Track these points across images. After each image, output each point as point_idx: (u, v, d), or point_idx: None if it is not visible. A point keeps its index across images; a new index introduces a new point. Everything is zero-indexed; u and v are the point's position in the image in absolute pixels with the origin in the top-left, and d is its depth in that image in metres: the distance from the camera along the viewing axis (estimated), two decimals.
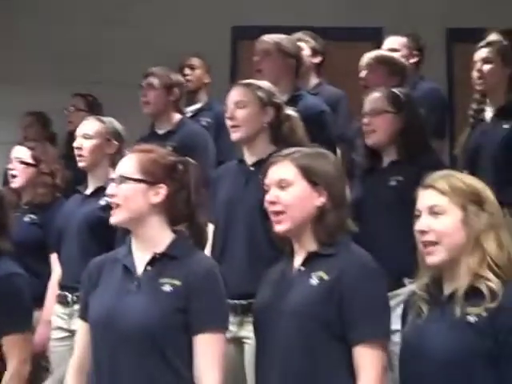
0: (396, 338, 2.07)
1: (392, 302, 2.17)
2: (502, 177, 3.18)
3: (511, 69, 3.42)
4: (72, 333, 2.84)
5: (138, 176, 2.10)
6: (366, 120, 2.97)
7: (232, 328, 2.50)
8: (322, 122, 3.31)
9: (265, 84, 2.85)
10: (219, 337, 2.04)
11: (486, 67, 3.42)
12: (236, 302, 2.54)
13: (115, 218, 2.13)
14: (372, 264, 2.05)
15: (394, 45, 3.98)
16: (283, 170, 2.11)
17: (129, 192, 2.10)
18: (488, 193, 1.98)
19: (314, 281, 2.03)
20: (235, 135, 2.77)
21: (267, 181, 2.14)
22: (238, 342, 2.61)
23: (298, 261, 2.11)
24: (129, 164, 2.13)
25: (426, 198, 1.99)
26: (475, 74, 3.47)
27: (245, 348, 2.59)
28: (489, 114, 3.45)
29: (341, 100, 3.77)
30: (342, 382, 1.99)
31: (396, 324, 2.08)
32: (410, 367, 1.95)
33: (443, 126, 3.85)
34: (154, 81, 3.70)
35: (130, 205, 2.09)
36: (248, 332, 2.52)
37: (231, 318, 2.31)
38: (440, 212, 1.95)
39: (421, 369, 1.91)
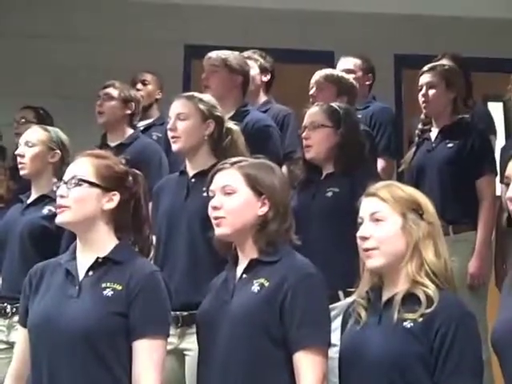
0: (331, 353, 2.07)
1: None
2: (447, 194, 3.26)
3: (455, 92, 3.52)
4: (11, 345, 2.76)
5: (94, 180, 2.09)
6: (304, 134, 3.02)
7: (173, 340, 2.48)
8: (268, 137, 3.34)
9: (207, 97, 2.89)
10: (159, 343, 2.02)
11: (431, 92, 3.51)
12: (178, 313, 2.52)
13: (62, 218, 2.10)
14: (313, 271, 2.06)
15: (348, 66, 4.06)
16: (229, 177, 2.13)
17: (83, 195, 2.08)
18: (427, 203, 2.03)
19: (256, 288, 2.03)
20: (175, 146, 2.80)
21: (212, 187, 2.16)
22: (178, 353, 2.58)
23: (240, 269, 2.11)
24: (84, 167, 2.11)
25: (368, 206, 2.03)
26: (421, 99, 3.56)
27: (186, 360, 2.57)
28: (434, 133, 3.54)
29: (289, 117, 3.80)
30: None
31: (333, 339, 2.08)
32: (349, 372, 1.97)
33: (394, 144, 3.92)
34: (113, 92, 3.72)
35: (80, 208, 2.07)
36: (189, 344, 2.51)
37: (172, 330, 2.29)
38: (381, 219, 1.99)
39: (359, 374, 1.93)
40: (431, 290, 1.91)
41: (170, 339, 2.14)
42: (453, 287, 1.98)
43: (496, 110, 4.88)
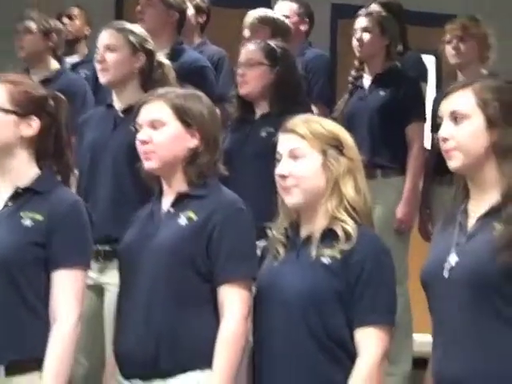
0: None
1: None
2: (377, 140, 3.29)
3: (389, 39, 3.53)
4: None
5: (8, 107, 2.00)
6: (240, 71, 2.97)
7: (93, 274, 2.44)
8: (203, 78, 3.29)
9: (138, 29, 2.81)
10: (78, 274, 1.97)
11: (365, 36, 3.51)
12: (99, 246, 2.49)
13: None
14: (242, 206, 2.04)
15: (284, 11, 3.99)
16: (156, 110, 2.07)
17: None
18: (347, 138, 2.00)
19: (183, 221, 2.00)
20: (103, 79, 2.73)
21: (139, 120, 2.10)
22: (98, 289, 2.55)
23: (167, 202, 2.07)
24: None
25: (286, 142, 1.99)
26: (355, 43, 3.56)
27: (106, 295, 2.54)
28: (367, 81, 3.55)
29: (223, 59, 3.75)
30: (207, 320, 1.97)
31: None
32: (264, 308, 1.96)
33: (328, 91, 3.90)
34: (31, 25, 3.59)
35: None
36: (110, 278, 2.47)
37: (92, 265, 2.22)
38: (300, 156, 1.95)
39: (274, 309, 1.92)
40: (350, 225, 1.90)
41: (89, 274, 2.11)
42: (370, 222, 1.98)
43: (429, 63, 4.93)
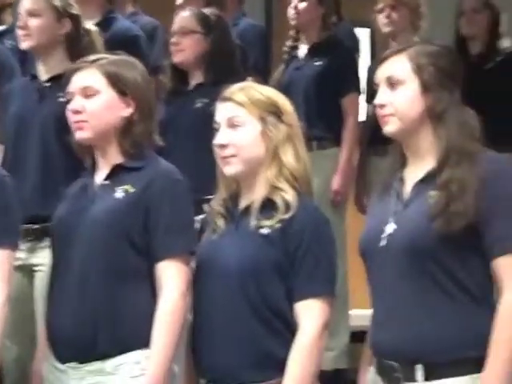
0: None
1: None
2: (313, 112, 3.26)
3: (325, 8, 3.51)
4: None
5: None
6: (173, 39, 2.91)
7: (21, 255, 2.35)
8: (136, 47, 3.18)
9: None
10: (6, 254, 1.89)
11: (302, 5, 3.49)
12: (27, 225, 2.36)
13: None
14: (179, 177, 1.98)
15: None
16: (89, 78, 1.98)
17: None
18: (286, 104, 1.95)
19: (119, 194, 1.93)
20: (25, 44, 2.60)
21: (71, 88, 2.00)
22: (27, 270, 2.46)
23: (101, 175, 1.99)
24: None
25: (224, 111, 1.93)
26: (290, 11, 3.52)
27: (36, 277, 2.45)
28: (303, 51, 3.52)
29: (157, 29, 3.65)
30: (145, 297, 1.91)
31: None
32: (204, 281, 1.91)
33: (263, 61, 3.85)
34: None
35: None
36: (41, 259, 2.39)
37: (21, 245, 2.14)
38: (238, 124, 1.90)
39: (214, 281, 1.88)
40: (290, 195, 1.86)
41: (17, 254, 2.02)
42: (310, 191, 1.94)
43: (363, 35, 4.93)
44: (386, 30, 3.53)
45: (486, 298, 1.73)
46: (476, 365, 1.67)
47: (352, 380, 1.94)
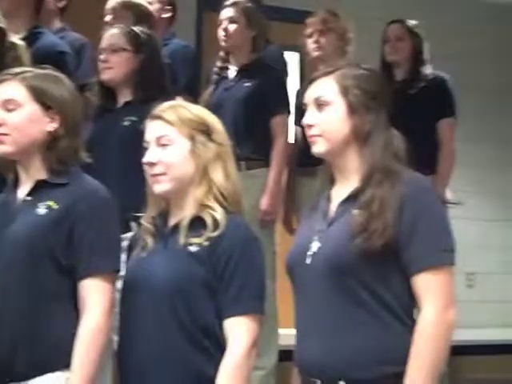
0: (119, 285, 1.98)
1: None
2: (241, 132, 3.27)
3: (256, 30, 3.53)
4: None
5: None
6: (102, 56, 2.87)
7: None
8: (63, 63, 3.12)
9: None
10: None
11: (232, 26, 3.50)
12: None
13: None
14: (105, 194, 1.96)
15: None
16: (11, 90, 1.95)
17: None
18: (215, 122, 1.97)
19: (42, 210, 1.89)
20: None
21: None
22: None
23: (23, 190, 1.95)
24: None
25: (153, 129, 1.93)
26: (221, 33, 3.53)
27: None
28: (232, 72, 3.54)
29: (85, 46, 3.60)
30: (67, 317, 1.87)
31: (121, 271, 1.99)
32: (132, 300, 1.89)
33: (193, 81, 3.85)
34: None
35: None
36: None
37: None
38: (168, 143, 1.90)
39: (142, 300, 1.86)
40: (218, 213, 1.87)
41: None
42: (240, 209, 1.95)
43: (292, 59, 4.99)
44: (314, 54, 3.59)
45: (406, 314, 1.75)
46: (396, 380, 1.69)
47: None
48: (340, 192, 1.85)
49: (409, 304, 1.76)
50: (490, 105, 6.19)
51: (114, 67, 2.84)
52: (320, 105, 1.84)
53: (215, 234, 1.85)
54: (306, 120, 1.87)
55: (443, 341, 1.69)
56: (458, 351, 4.03)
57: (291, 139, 3.60)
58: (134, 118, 2.70)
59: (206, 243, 1.84)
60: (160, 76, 2.88)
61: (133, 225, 2.51)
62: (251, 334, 1.82)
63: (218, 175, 1.91)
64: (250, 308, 1.84)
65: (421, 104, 3.61)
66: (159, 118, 1.93)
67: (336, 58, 3.46)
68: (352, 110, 1.82)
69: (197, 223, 1.87)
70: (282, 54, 4.04)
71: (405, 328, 1.73)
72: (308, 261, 1.80)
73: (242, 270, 1.83)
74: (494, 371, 4.17)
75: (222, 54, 3.59)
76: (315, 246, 1.81)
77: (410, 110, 3.57)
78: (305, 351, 1.79)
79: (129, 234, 2.48)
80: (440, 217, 1.78)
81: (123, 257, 2.02)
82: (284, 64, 3.78)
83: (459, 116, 3.77)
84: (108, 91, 2.88)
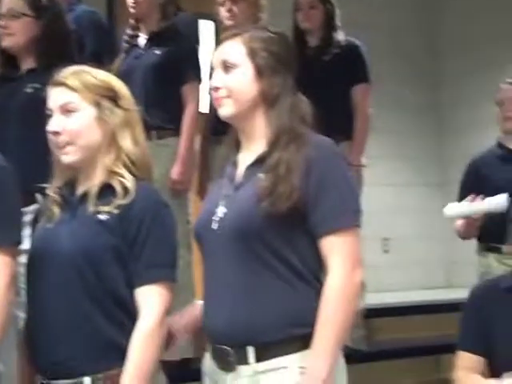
0: (23, 259, 1.91)
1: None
2: (152, 101, 3.21)
3: None
4: None
5: None
6: (2, 22, 2.75)
7: None
8: None
9: None
10: None
11: None
12: None
13: None
14: (3, 163, 1.86)
15: None
16: None
17: None
18: (122, 87, 1.92)
19: None
20: None
21: None
22: None
23: None
24: None
25: (56, 97, 1.87)
26: (129, 1, 3.44)
27: None
28: (142, 40, 3.46)
29: None
30: None
31: (26, 244, 1.92)
32: (39, 272, 1.83)
33: (103, 49, 3.73)
34: None
35: None
36: None
37: None
38: (72, 110, 1.84)
39: (50, 272, 1.80)
40: (128, 180, 1.83)
41: None
42: (150, 176, 1.92)
43: (207, 28, 4.94)
44: (227, 22, 3.55)
45: (314, 276, 1.76)
46: (305, 342, 1.69)
47: (198, 369, 1.92)
48: (247, 157, 1.84)
49: (316, 266, 1.76)
50: (410, 72, 6.30)
51: (15, 33, 2.73)
52: (227, 67, 1.82)
53: (125, 201, 1.81)
54: (213, 82, 1.84)
55: (350, 302, 1.70)
56: (375, 314, 4.15)
57: (204, 107, 3.56)
58: (36, 85, 2.59)
59: (115, 211, 1.80)
60: (64, 42, 2.78)
61: (38, 196, 2.43)
62: (163, 302, 1.79)
63: (126, 142, 1.86)
64: (161, 276, 1.81)
65: (334, 70, 3.64)
66: (62, 84, 1.86)
67: (249, 25, 3.43)
68: (259, 72, 1.81)
69: (106, 191, 1.83)
70: (194, 21, 3.97)
71: (312, 290, 1.73)
72: (214, 226, 1.79)
73: (152, 237, 1.80)
74: (410, 331, 4.29)
75: (131, 21, 3.50)
76: (221, 211, 1.79)
77: (325, 77, 3.60)
78: (213, 318, 1.78)
79: (32, 207, 2.42)
80: (346, 179, 1.78)
81: (28, 231, 1.96)
82: (195, 31, 3.71)
83: (376, 82, 3.81)
84: (10, 58, 2.77)
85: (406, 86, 6.22)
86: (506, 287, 2.34)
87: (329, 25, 3.74)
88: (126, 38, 3.51)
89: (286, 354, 1.71)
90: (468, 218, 3.15)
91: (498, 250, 3.33)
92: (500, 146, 3.54)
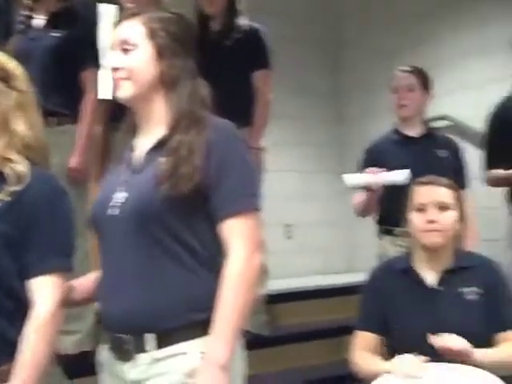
0: None
1: None
2: (50, 86, 3.10)
3: None
4: None
5: None
6: None
7: None
8: None
9: None
10: None
11: None
12: None
13: None
14: None
15: None
16: None
17: None
18: (16, 69, 1.84)
19: None
20: None
21: None
22: None
23: None
24: None
25: None
26: None
27: None
28: (40, 21, 3.33)
29: None
30: None
31: None
32: None
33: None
34: None
35: None
36: None
37: None
38: None
39: None
40: (21, 166, 1.76)
41: None
42: (47, 161, 1.85)
43: (109, 13, 4.82)
44: (128, 5, 3.46)
45: (213, 260, 1.73)
46: (206, 327, 1.67)
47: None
48: (146, 141, 1.81)
49: (217, 251, 1.74)
50: (314, 58, 6.36)
51: None
52: (126, 48, 1.78)
53: (18, 188, 1.74)
54: (111, 62, 1.79)
55: (250, 286, 1.69)
56: (278, 299, 4.18)
57: (105, 94, 3.47)
58: None
59: (8, 198, 1.73)
60: None
61: None
62: (58, 293, 1.74)
63: (19, 125, 1.79)
64: (55, 265, 1.75)
65: (236, 55, 3.62)
66: None
67: (149, 8, 3.36)
68: (159, 53, 1.78)
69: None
70: (94, 4, 3.87)
71: (211, 274, 1.71)
72: (115, 211, 1.75)
73: (47, 224, 1.74)
74: (312, 315, 4.35)
75: (27, 1, 3.36)
76: (120, 196, 1.76)
77: (226, 62, 3.58)
78: (110, 306, 1.73)
79: None
80: (245, 162, 1.77)
81: None
82: (94, 15, 3.61)
83: (281, 68, 3.82)
84: None
85: (310, 73, 6.29)
86: (401, 268, 2.41)
87: (231, 9, 3.72)
88: (21, 18, 3.36)
89: (187, 339, 1.68)
90: (368, 191, 3.21)
91: (391, 233, 3.42)
92: (396, 131, 3.62)
